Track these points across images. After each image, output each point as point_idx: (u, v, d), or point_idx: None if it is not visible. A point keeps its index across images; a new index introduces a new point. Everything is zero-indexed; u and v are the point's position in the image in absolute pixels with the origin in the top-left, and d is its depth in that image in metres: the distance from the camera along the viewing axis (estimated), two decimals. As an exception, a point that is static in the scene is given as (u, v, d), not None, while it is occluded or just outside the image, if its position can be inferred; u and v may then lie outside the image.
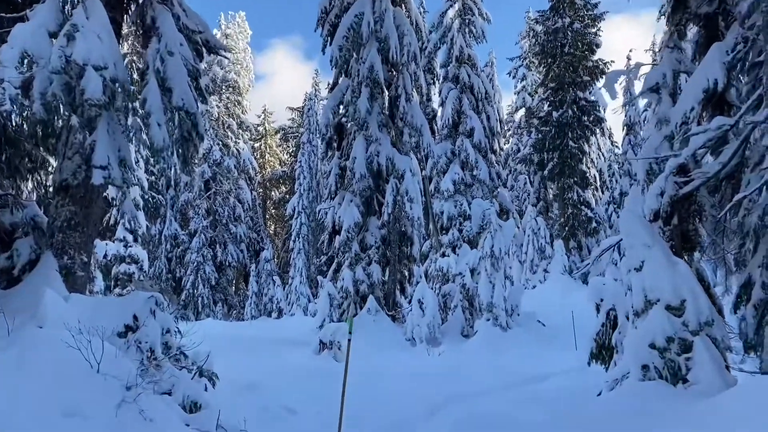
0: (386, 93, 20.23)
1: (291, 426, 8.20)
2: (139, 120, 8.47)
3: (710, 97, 7.30)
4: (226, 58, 29.11)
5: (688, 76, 7.86)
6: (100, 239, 22.39)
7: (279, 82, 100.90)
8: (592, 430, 5.66)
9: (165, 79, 8.23)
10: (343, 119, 20.91)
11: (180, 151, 8.51)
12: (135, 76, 9.44)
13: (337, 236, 19.63)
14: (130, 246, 23.94)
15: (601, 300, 8.48)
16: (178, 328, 8.63)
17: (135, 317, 6.24)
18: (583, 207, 29.31)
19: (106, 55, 7.15)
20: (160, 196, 42.43)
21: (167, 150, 8.04)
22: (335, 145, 21.02)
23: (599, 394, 7.38)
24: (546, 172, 30.23)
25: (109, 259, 22.38)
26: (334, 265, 20.18)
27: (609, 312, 8.38)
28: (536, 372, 12.62)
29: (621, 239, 7.51)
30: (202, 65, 11.82)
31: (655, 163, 7.50)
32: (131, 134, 8.55)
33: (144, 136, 8.25)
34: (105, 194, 10.12)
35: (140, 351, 5.98)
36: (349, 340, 5.31)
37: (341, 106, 20.62)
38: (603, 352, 8.42)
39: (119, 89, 7.41)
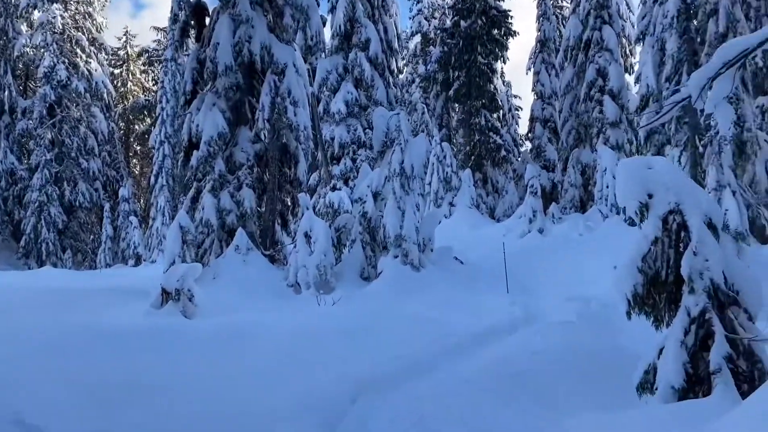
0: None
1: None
2: None
3: None
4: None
5: None
6: None
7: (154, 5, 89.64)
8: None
9: None
10: (204, -3, 15.60)
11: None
12: None
13: (195, 152, 14.60)
14: None
15: (649, 197, 4.49)
16: None
17: None
18: (491, 133, 25.82)
19: None
20: (-10, 123, 35.26)
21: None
22: (193, 32, 15.66)
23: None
24: (451, 92, 26.32)
25: None
26: (192, 192, 15.14)
27: (667, 218, 4.42)
28: (475, 327, 8.73)
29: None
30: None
31: None
32: None
33: None
34: None
35: None
36: None
37: (200, -20, 15.27)
38: (653, 292, 4.48)
39: None
